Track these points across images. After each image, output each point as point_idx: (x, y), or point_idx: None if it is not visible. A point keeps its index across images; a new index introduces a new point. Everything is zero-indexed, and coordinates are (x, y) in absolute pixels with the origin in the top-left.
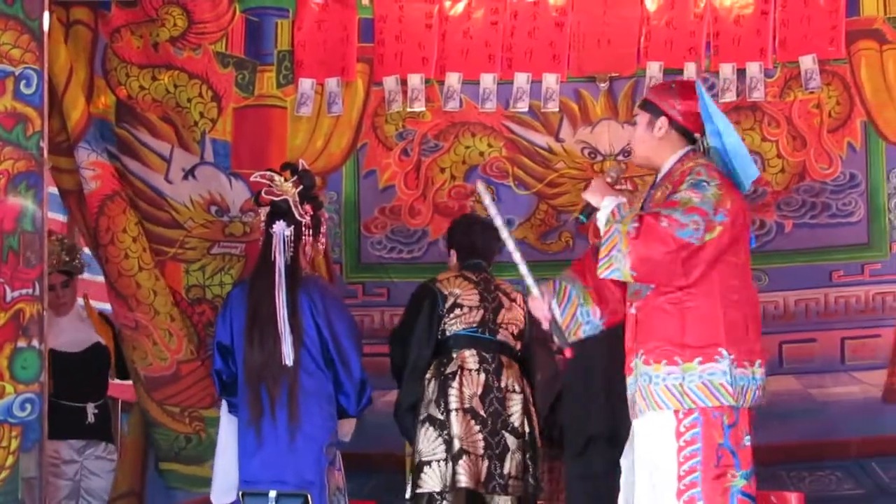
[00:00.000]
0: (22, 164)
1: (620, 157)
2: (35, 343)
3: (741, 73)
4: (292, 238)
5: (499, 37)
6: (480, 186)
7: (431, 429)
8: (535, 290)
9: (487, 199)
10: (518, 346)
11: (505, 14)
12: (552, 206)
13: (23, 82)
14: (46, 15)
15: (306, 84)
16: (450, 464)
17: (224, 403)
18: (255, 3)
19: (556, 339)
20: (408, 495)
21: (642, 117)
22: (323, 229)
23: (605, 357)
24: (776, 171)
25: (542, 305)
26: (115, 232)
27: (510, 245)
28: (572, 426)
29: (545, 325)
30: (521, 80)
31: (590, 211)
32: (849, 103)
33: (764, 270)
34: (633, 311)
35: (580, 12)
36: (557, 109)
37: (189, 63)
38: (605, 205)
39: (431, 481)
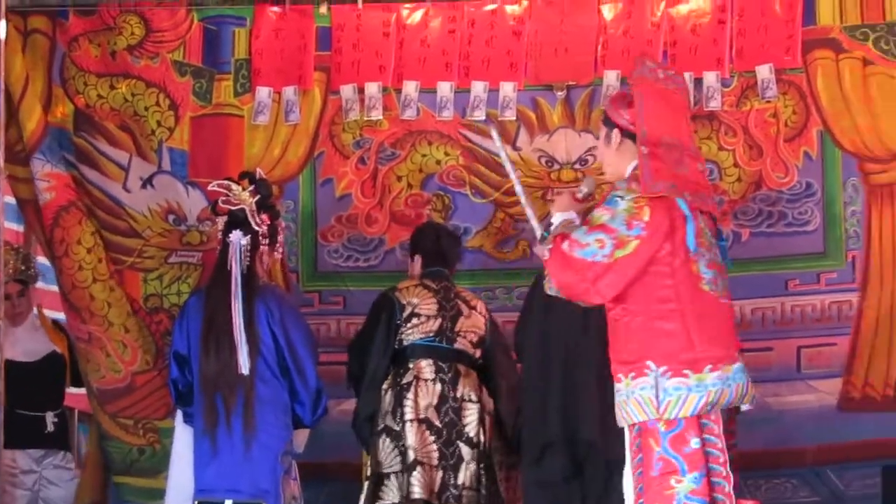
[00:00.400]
0: None
1: (577, 167)
2: None
3: (698, 82)
4: (249, 247)
5: (456, 45)
6: (494, 132)
7: (388, 440)
8: (538, 233)
9: (498, 142)
10: (477, 354)
11: (462, 22)
12: (509, 214)
13: None
14: (3, 24)
15: (263, 92)
16: (405, 474)
17: (179, 413)
18: (213, 11)
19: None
20: None
21: (602, 132)
22: (280, 238)
23: (562, 362)
24: (733, 179)
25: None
26: (69, 243)
27: (518, 188)
28: (529, 432)
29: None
30: (479, 88)
31: (548, 224)
32: (805, 112)
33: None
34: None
35: (537, 21)
36: (514, 118)
37: (146, 71)
38: (553, 221)
39: (391, 493)
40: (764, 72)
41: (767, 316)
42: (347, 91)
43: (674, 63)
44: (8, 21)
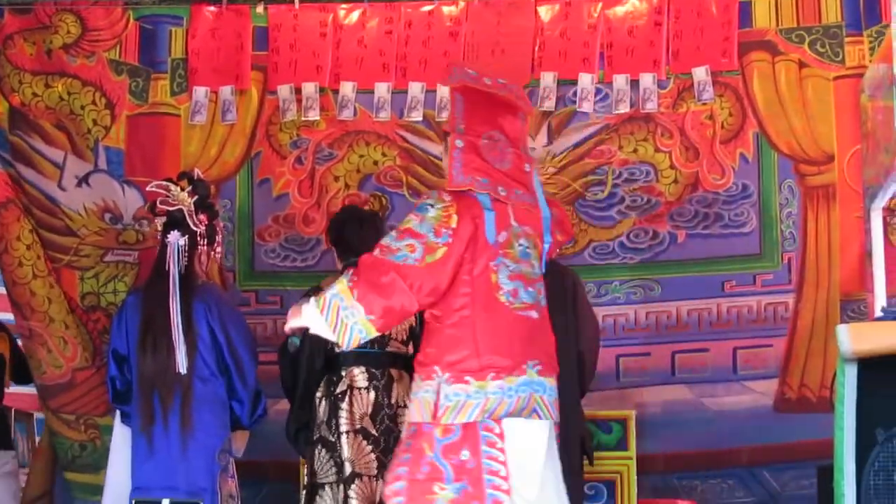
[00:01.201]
0: None
1: None
2: None
3: (635, 84)
4: (187, 247)
5: (393, 46)
6: None
7: (324, 451)
8: None
9: None
10: (410, 349)
11: (399, 23)
12: None
13: None
14: None
15: (200, 92)
16: (342, 486)
17: (118, 413)
18: (149, 10)
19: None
20: None
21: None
22: (218, 238)
23: None
24: (669, 181)
25: None
26: (8, 240)
27: None
28: None
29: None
30: (416, 89)
31: (302, 333)
32: (741, 114)
33: (657, 280)
34: None
35: (474, 22)
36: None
37: (83, 70)
38: (307, 312)
39: None
40: (700, 74)
41: (703, 317)
42: (284, 91)
43: (610, 65)
44: None
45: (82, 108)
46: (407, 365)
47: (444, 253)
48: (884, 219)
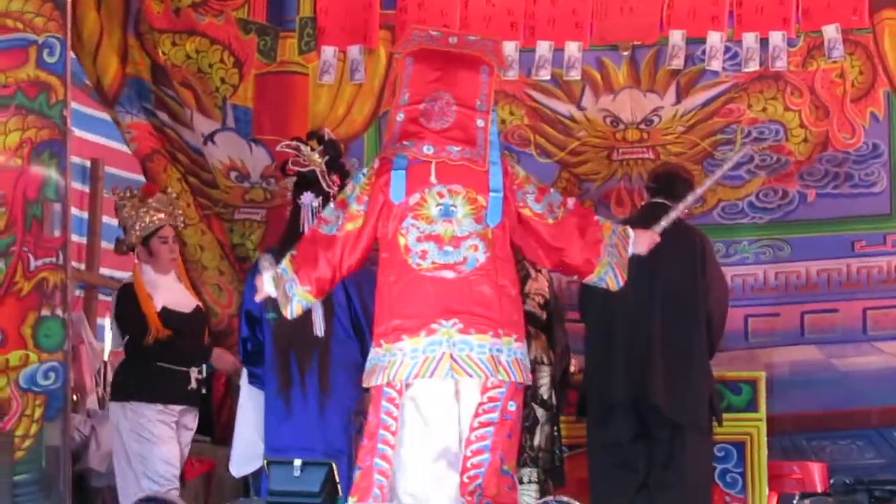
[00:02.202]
0: (45, 133)
1: (643, 126)
2: (59, 312)
3: (764, 42)
4: (321, 209)
5: (521, 4)
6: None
7: None
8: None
9: None
10: (544, 317)
11: None
12: (574, 174)
13: (46, 51)
14: None
15: (329, 52)
16: None
17: (244, 373)
18: None
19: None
20: None
21: None
22: None
23: (627, 325)
24: (799, 140)
25: None
26: (157, 192)
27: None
28: (594, 394)
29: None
30: (544, 48)
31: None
32: (872, 73)
33: (786, 240)
34: None
35: None
36: (580, 78)
37: (211, 29)
38: (266, 285)
39: None
40: (830, 32)
41: (833, 277)
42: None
43: (739, 23)
44: None
45: (210, 66)
46: (541, 326)
47: (363, 222)
48: None
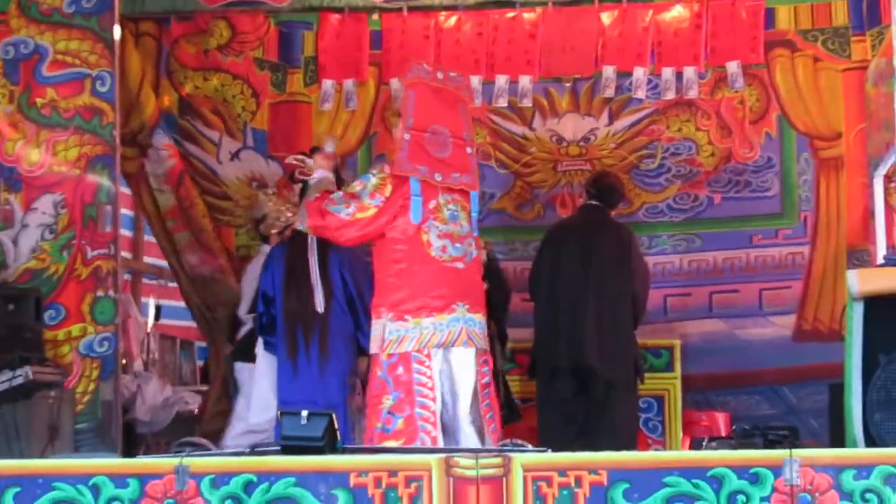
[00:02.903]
0: (98, 149)
1: (581, 143)
2: (111, 293)
3: (679, 75)
4: None
5: (483, 45)
6: None
7: None
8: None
9: None
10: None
11: (488, 27)
12: (526, 182)
13: (98, 82)
14: (117, 28)
15: (328, 84)
16: None
17: (260, 341)
18: (286, 17)
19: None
20: None
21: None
22: None
23: (567, 301)
24: (707, 154)
25: None
26: (192, 197)
27: None
28: (541, 360)
29: None
30: (501, 80)
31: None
32: (766, 100)
33: (697, 235)
34: None
35: (549, 25)
36: (531, 104)
37: (233, 66)
38: (316, 176)
39: None
40: (733, 67)
41: (735, 264)
42: (395, 83)
43: (659, 60)
44: (123, 26)
45: (233, 97)
46: None
47: (374, 213)
48: (884, 184)
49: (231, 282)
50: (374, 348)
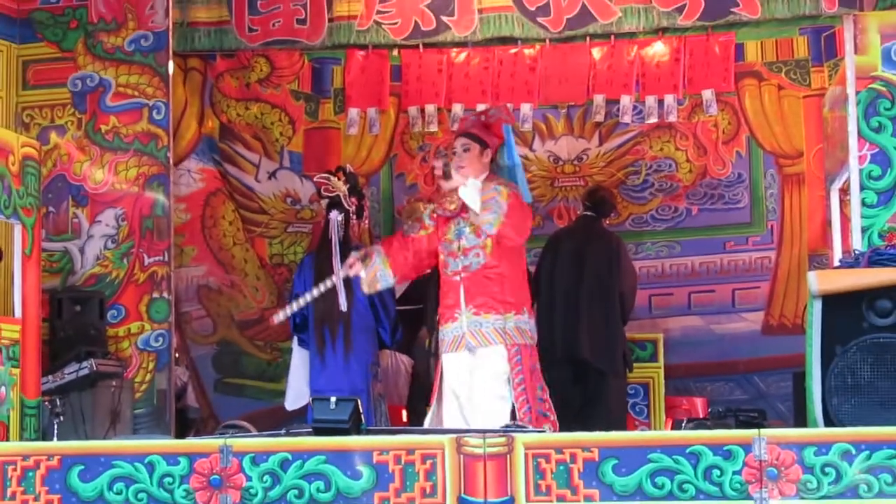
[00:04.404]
0: (154, 169)
1: (575, 162)
2: (165, 294)
3: (661, 102)
4: (343, 222)
5: (489, 77)
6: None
7: None
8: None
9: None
10: None
11: (493, 61)
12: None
13: (154, 111)
14: (171, 63)
15: (354, 112)
16: None
17: (295, 338)
18: (318, 54)
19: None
20: None
21: (473, 147)
22: (366, 213)
23: (563, 302)
24: (686, 171)
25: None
26: (216, 219)
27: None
28: (542, 352)
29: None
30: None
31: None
32: (737, 123)
33: (678, 242)
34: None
35: (547, 59)
36: (530, 128)
37: (271, 97)
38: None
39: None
40: (707, 94)
41: (711, 268)
42: (413, 111)
43: (643, 89)
44: (173, 61)
45: (272, 123)
46: None
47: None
48: (840, 197)
49: (239, 298)
50: (519, 338)
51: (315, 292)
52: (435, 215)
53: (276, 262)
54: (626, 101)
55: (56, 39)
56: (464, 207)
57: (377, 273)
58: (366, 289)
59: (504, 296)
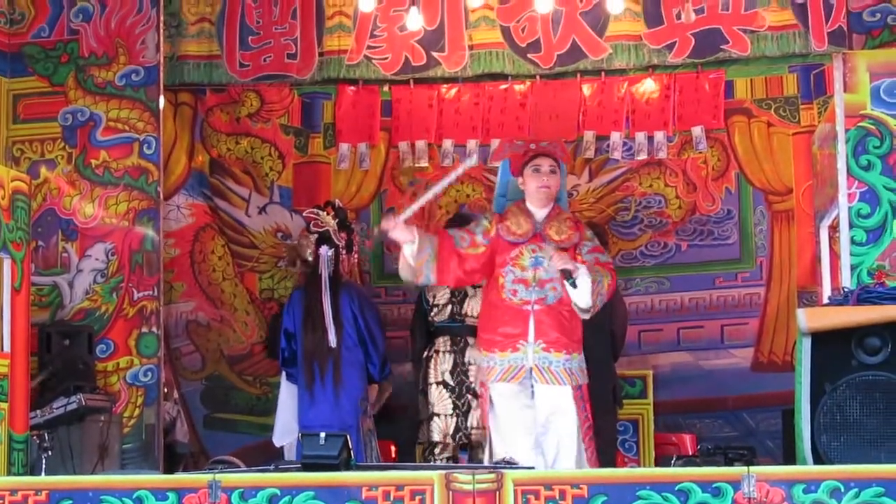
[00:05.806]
0: (144, 203)
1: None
2: (154, 329)
3: (651, 138)
4: (333, 256)
5: (480, 113)
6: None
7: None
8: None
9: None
10: None
11: (484, 97)
12: None
13: (145, 145)
14: (162, 98)
15: (344, 147)
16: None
17: (284, 373)
18: (308, 89)
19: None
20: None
21: (558, 171)
22: (355, 248)
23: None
24: (675, 207)
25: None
26: (205, 253)
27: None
28: None
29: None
30: (496, 144)
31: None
32: (726, 160)
33: (667, 278)
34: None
35: (537, 95)
36: None
37: (261, 132)
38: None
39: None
40: (697, 131)
41: (700, 304)
42: (403, 146)
43: (633, 125)
44: (164, 96)
45: (262, 158)
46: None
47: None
48: (829, 234)
49: (228, 333)
50: (585, 379)
51: (438, 189)
52: (491, 235)
53: (266, 296)
54: (615, 137)
55: (47, 73)
56: (537, 235)
57: (424, 263)
58: (411, 262)
59: (574, 335)
